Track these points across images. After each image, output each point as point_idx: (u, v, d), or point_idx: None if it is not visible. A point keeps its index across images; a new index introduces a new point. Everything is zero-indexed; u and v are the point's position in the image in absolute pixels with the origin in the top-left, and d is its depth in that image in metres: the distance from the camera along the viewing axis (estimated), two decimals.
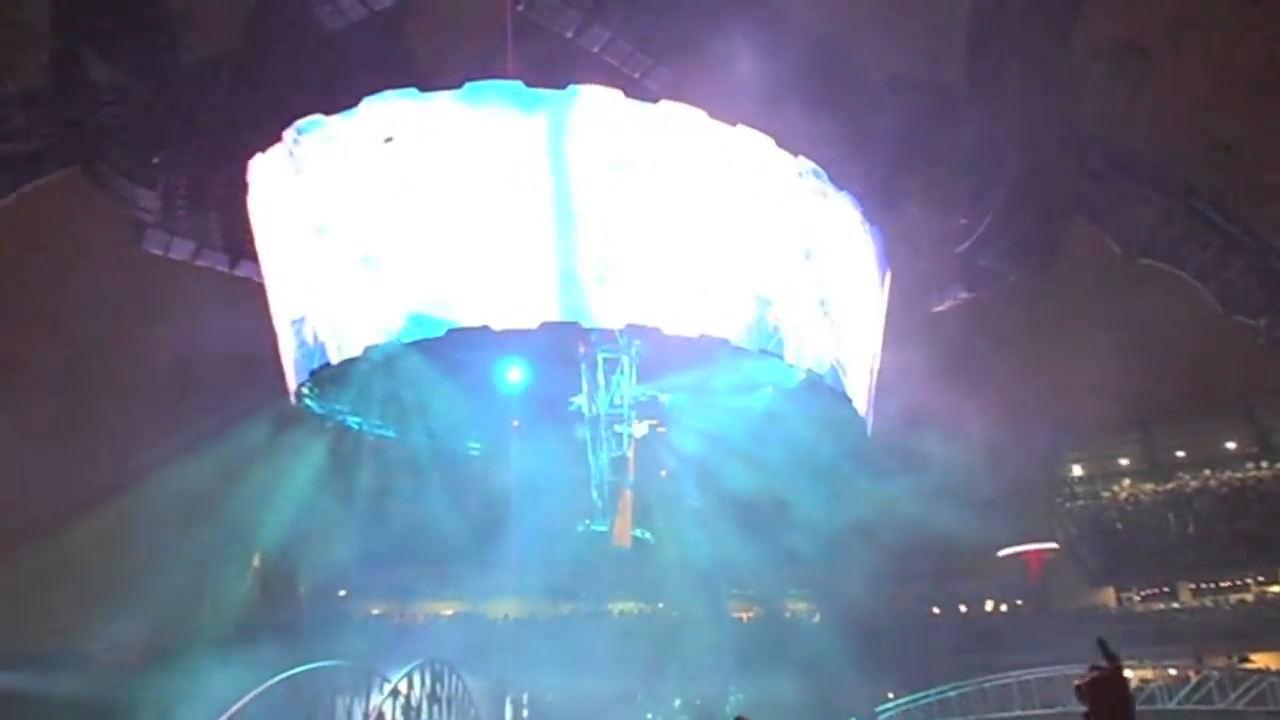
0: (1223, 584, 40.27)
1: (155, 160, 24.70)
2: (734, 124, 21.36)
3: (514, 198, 19.30)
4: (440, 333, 19.31)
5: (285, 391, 22.50)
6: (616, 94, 20.33)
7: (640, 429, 25.63)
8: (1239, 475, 42.37)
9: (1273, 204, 29.10)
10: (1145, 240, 29.19)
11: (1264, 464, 42.06)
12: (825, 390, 23.96)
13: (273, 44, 22.62)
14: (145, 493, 27.71)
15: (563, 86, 19.85)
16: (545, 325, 19.42)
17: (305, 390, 22.23)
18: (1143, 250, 29.42)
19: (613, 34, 23.31)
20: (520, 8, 22.38)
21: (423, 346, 20.51)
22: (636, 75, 23.91)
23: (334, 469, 25.17)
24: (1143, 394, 35.94)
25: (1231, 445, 42.99)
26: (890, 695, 30.95)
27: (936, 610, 41.86)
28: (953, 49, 26.85)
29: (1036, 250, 29.03)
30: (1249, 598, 39.37)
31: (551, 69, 22.50)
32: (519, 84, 19.53)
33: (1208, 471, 42.81)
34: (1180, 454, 43.69)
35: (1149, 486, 43.82)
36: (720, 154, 21.30)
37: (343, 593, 37.09)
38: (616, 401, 24.60)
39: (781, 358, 22.39)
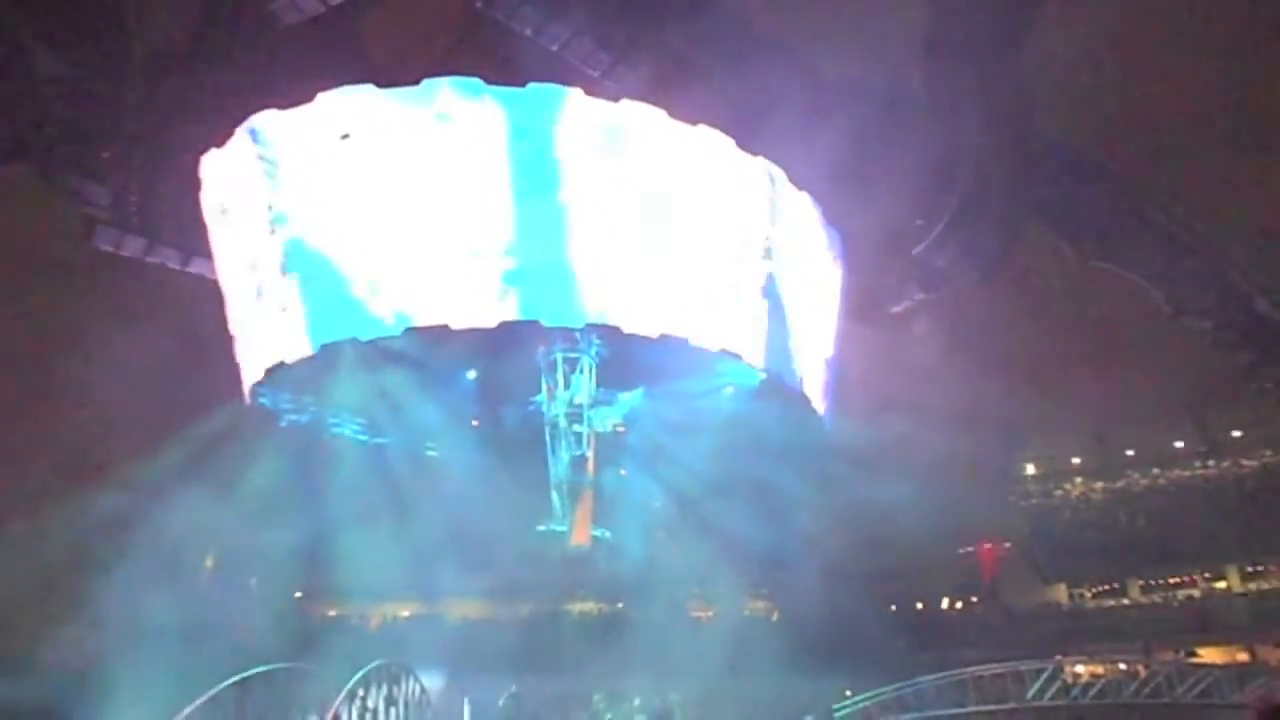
0: (1171, 580, 41.01)
1: (106, 155, 24.35)
2: (694, 124, 21.56)
3: (473, 196, 19.29)
4: (398, 331, 19.23)
5: (239, 390, 22.26)
6: (576, 93, 20.39)
7: (600, 428, 25.60)
8: (1186, 473, 43.27)
9: (1220, 208, 29.71)
10: (1097, 244, 29.66)
11: (1210, 462, 42.96)
12: (784, 390, 24.28)
13: (226, 38, 22.31)
14: (94, 492, 27.26)
15: (522, 84, 19.84)
16: (505, 324, 19.42)
17: (260, 389, 22.05)
18: (1094, 253, 29.88)
19: (572, 32, 23.21)
20: (479, 4, 22.25)
21: (380, 345, 20.43)
22: (596, 74, 23.78)
23: (287, 469, 24.83)
24: (1094, 395, 36.52)
25: (1179, 444, 43.93)
26: (848, 693, 31.09)
27: (894, 608, 42.21)
28: (909, 55, 27.11)
29: (991, 252, 29.39)
30: (1196, 593, 40.10)
31: (511, 67, 22.35)
32: (477, 81, 19.51)
33: (1156, 470, 43.67)
34: (1130, 453, 44.61)
35: (1100, 485, 44.50)
36: (681, 154, 21.48)
37: (298, 594, 36.67)
38: (576, 401, 24.58)
39: (741, 358, 22.66)
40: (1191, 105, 27.20)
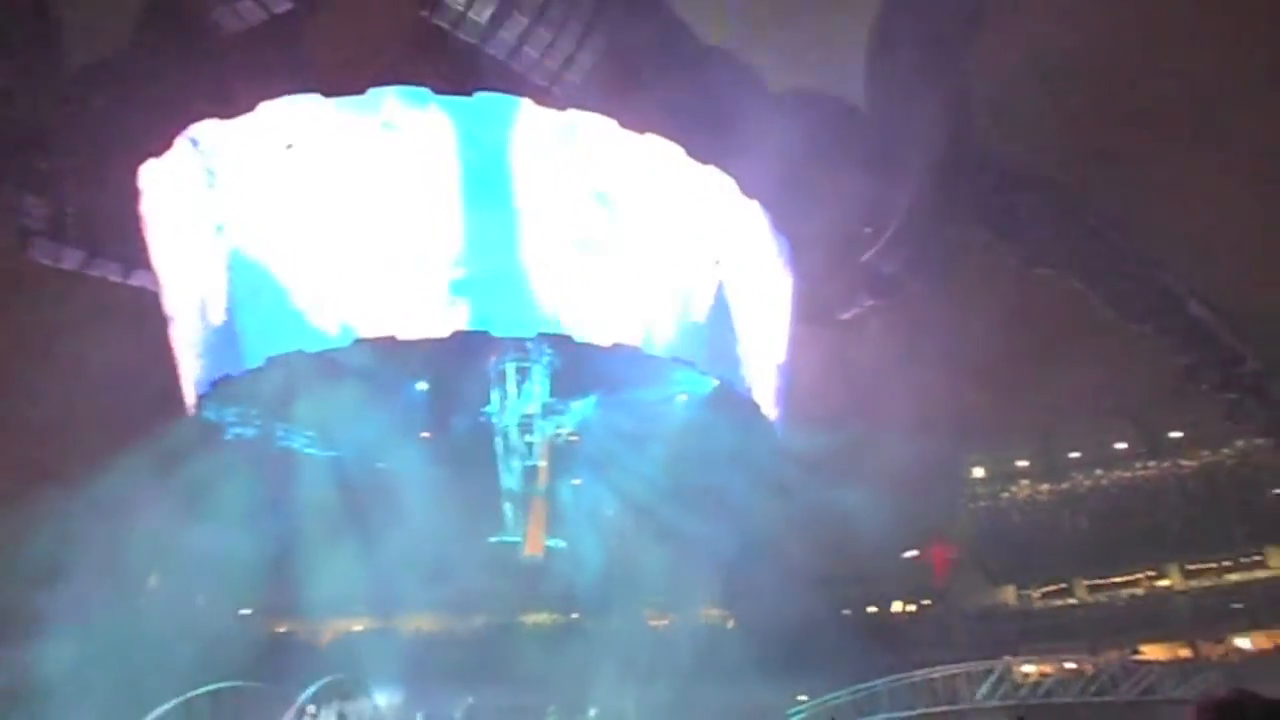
0: (1116, 579, 41.78)
1: (43, 166, 23.81)
2: (643, 133, 21.65)
3: (420, 205, 19.20)
4: (346, 343, 19.02)
5: (182, 405, 21.89)
6: (524, 102, 20.40)
7: (552, 438, 25.55)
8: (1128, 474, 43.99)
9: (1155, 213, 30.39)
10: (1038, 249, 30.22)
11: (1151, 463, 43.85)
12: (735, 397, 24.44)
13: (165, 46, 21.91)
14: (37, 502, 26.67)
15: (469, 93, 19.87)
16: (455, 335, 19.34)
17: (205, 402, 21.73)
18: (1036, 259, 30.45)
19: (518, 41, 23.21)
20: (425, 13, 22.15)
21: (328, 357, 20.23)
22: (544, 83, 23.86)
23: (235, 481, 24.42)
24: (1039, 398, 37.09)
25: (1121, 446, 44.84)
26: (802, 698, 31.23)
27: (847, 612, 42.50)
28: (855, 65, 27.47)
29: (938, 258, 29.84)
30: (1140, 591, 40.93)
31: (458, 75, 22.33)
32: (424, 90, 19.47)
33: (1099, 471, 44.35)
34: (1074, 455, 45.39)
35: (1045, 487, 45.01)
36: (631, 163, 21.64)
37: (246, 610, 36.01)
38: (528, 411, 24.56)
39: (693, 365, 22.89)
40: (1125, 110, 27.86)
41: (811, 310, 28.98)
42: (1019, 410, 37.87)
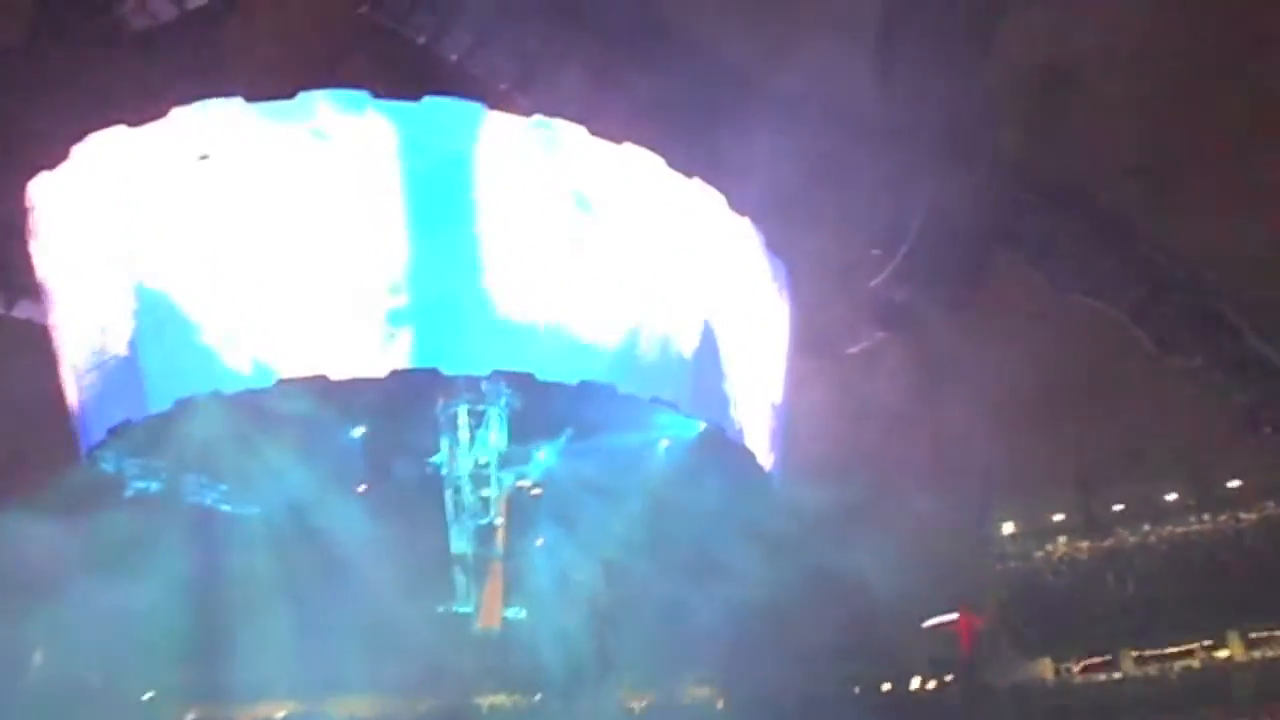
0: (1167, 650, 41.54)
1: None
2: (619, 142, 21.83)
3: (358, 224, 19.15)
4: (268, 384, 18.95)
5: (73, 453, 21.60)
6: (477, 107, 20.48)
7: (511, 492, 25.48)
8: (1181, 529, 43.86)
9: (1206, 234, 30.48)
10: (1071, 274, 30.26)
11: (1206, 516, 43.79)
12: (726, 443, 24.40)
13: (61, 44, 21.78)
14: None
15: (416, 98, 19.91)
16: (396, 374, 19.25)
17: (101, 451, 21.60)
18: (1069, 285, 30.47)
19: (475, 40, 23.35)
20: (364, 9, 22.26)
21: (247, 400, 20.04)
22: (503, 87, 23.93)
23: (135, 543, 24.09)
24: (1077, 443, 37.08)
25: (1172, 497, 44.71)
26: None
27: (857, 689, 42.14)
28: (861, 68, 27.62)
29: (956, 285, 29.81)
30: (1196, 664, 40.68)
31: (403, 78, 22.43)
32: (362, 94, 19.50)
33: (1148, 526, 44.10)
34: (1118, 508, 45.16)
35: (1085, 544, 44.84)
36: (604, 176, 21.74)
37: (149, 694, 35.39)
38: (482, 461, 24.45)
39: (676, 407, 22.85)
40: (1172, 118, 28.00)
41: (813, 343, 28.92)
42: (1054, 457, 37.75)
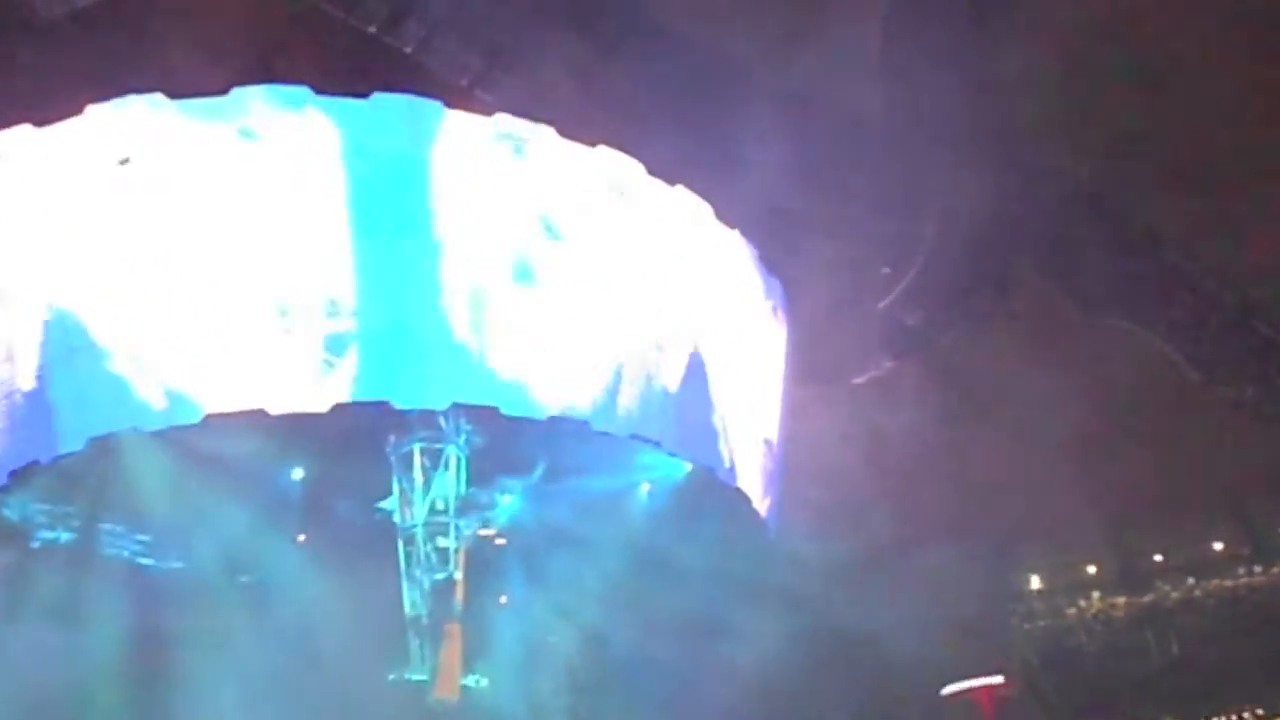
0: (1216, 719, 41.54)
1: None
2: (593, 145, 22.04)
3: (297, 237, 19.17)
4: (194, 419, 18.75)
5: None
6: (434, 106, 20.65)
7: (473, 542, 25.40)
8: (1229, 583, 43.89)
9: (1256, 251, 30.66)
10: (1104, 295, 30.46)
11: (1258, 568, 43.86)
12: (716, 486, 24.45)
13: None
14: None
15: (364, 95, 19.99)
16: (341, 408, 19.17)
17: (2, 496, 21.44)
18: (1102, 307, 30.69)
19: (430, 30, 23.53)
20: None
21: (171, 438, 20.03)
22: (464, 82, 24.08)
23: (40, 601, 23.86)
24: (1110, 485, 37.12)
25: (1219, 547, 44.76)
26: None
27: None
28: (867, 63, 27.84)
29: (976, 308, 30.09)
30: None
31: (350, 72, 22.53)
32: (302, 90, 19.57)
33: (1192, 579, 44.26)
34: (1158, 558, 45.25)
35: (1122, 600, 44.91)
36: (577, 183, 21.93)
37: None
38: (439, 507, 24.34)
39: (659, 445, 22.92)
40: (1219, 120, 28.20)
41: (814, 373, 28.87)
42: (1086, 501, 37.65)
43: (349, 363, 19.05)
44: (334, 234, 19.18)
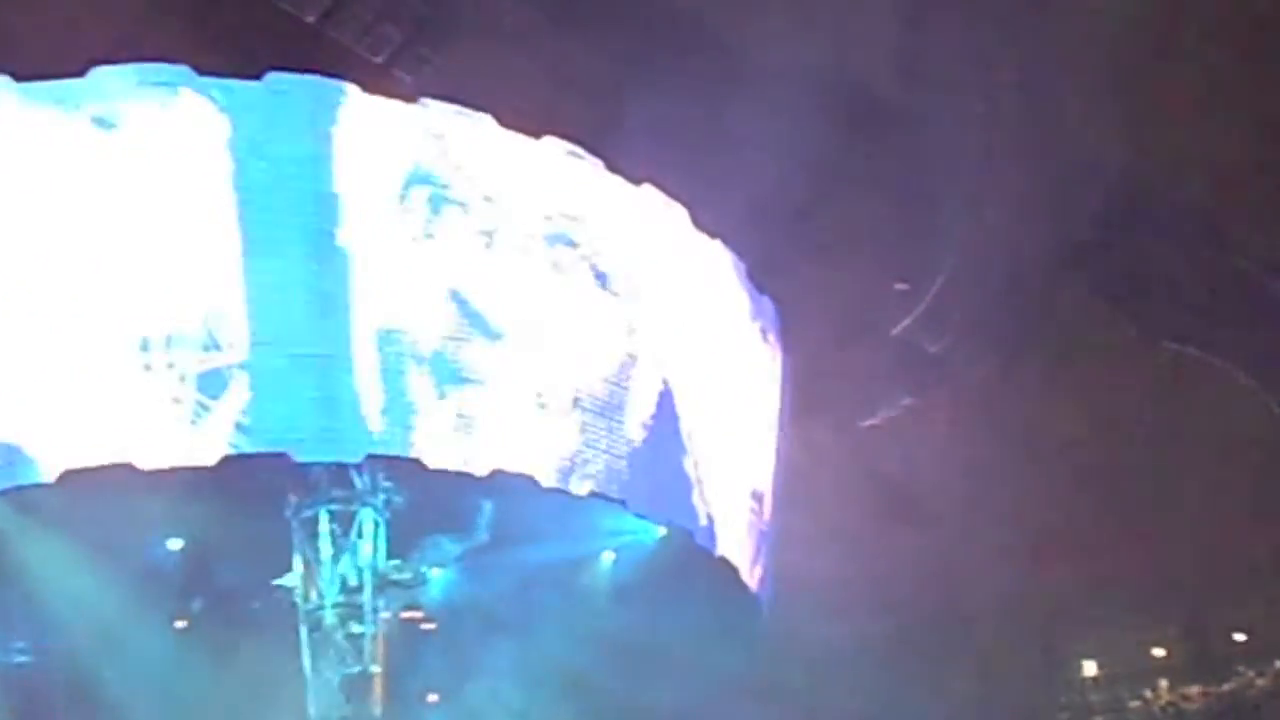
0: None
1: None
2: (538, 136, 22.16)
3: (166, 251, 19.04)
4: (46, 479, 18.67)
5: None
6: (342, 88, 20.62)
7: (394, 626, 25.04)
8: None
9: None
10: (1169, 316, 30.69)
11: None
12: (695, 554, 24.54)
13: None
14: None
15: (257, 75, 20.01)
16: (229, 462, 19.10)
17: None
18: (1167, 331, 30.93)
19: None
20: None
21: (18, 500, 19.87)
22: (379, 59, 24.10)
23: None
24: (1183, 549, 37.24)
25: None
26: None
27: None
28: (882, 37, 27.98)
29: (1011, 331, 30.26)
30: None
31: (241, 48, 22.43)
32: (181, 70, 19.47)
33: None
34: (1239, 637, 45.40)
35: (1195, 690, 44.85)
36: (521, 182, 22.02)
37: None
38: (353, 584, 23.70)
39: (623, 504, 23.00)
40: None
41: (814, 412, 29.06)
42: (1150, 568, 37.87)
43: (230, 406, 18.91)
44: (214, 248, 19.10)
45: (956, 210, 29.18)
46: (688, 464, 23.86)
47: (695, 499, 23.95)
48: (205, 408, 18.73)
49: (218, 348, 18.90)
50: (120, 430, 18.58)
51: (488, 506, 24.20)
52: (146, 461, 18.66)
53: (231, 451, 18.93)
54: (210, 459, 18.88)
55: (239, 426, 18.96)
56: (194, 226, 19.08)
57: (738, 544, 25.23)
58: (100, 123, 18.80)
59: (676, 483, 23.64)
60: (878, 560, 30.53)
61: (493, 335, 21.29)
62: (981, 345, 30.39)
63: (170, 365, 18.70)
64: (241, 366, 18.98)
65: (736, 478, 25.41)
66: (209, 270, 19.06)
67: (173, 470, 19.02)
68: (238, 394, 18.96)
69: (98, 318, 18.68)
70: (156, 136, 19.03)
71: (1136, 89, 27.65)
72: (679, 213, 23.84)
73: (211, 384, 18.81)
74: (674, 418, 23.51)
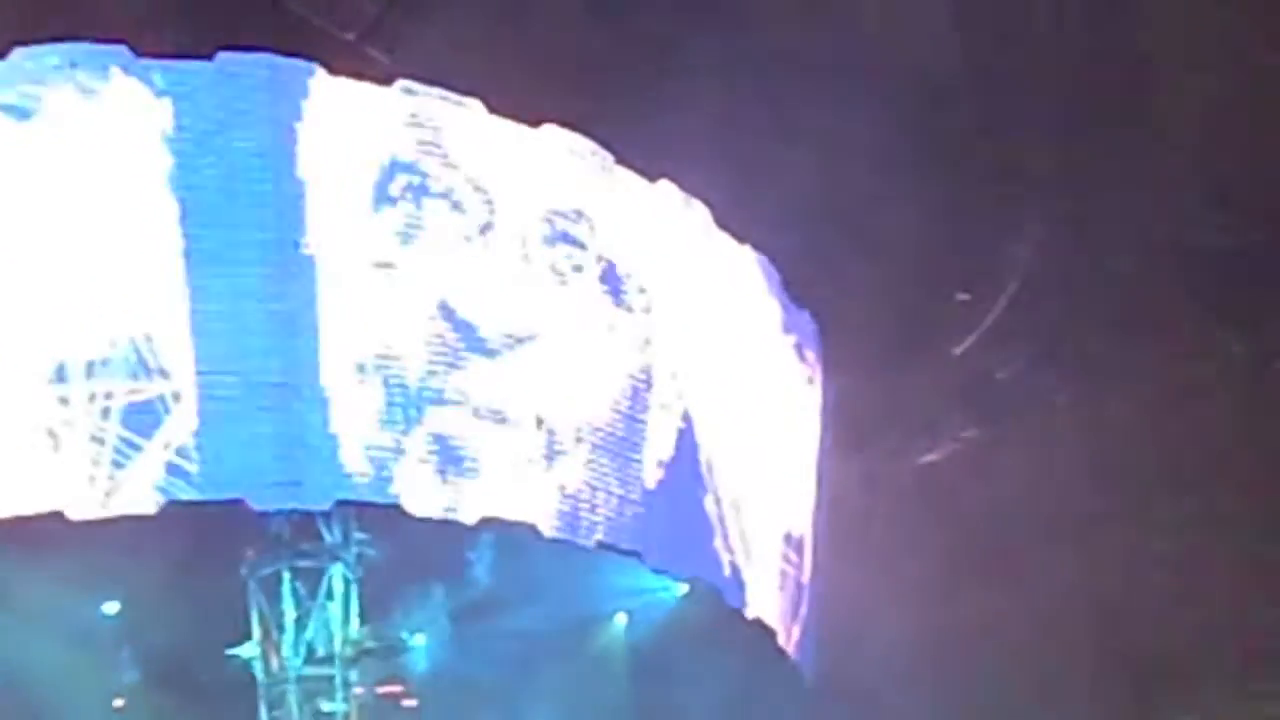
0: None
1: None
2: (536, 125, 22.14)
3: (106, 259, 18.96)
4: None
5: None
6: (307, 69, 20.54)
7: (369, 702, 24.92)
8: None
9: None
10: None
11: None
12: (722, 613, 24.55)
13: None
14: None
15: (208, 56, 19.88)
16: (174, 511, 19.00)
17: None
18: None
19: None
20: None
21: None
22: (350, 36, 23.94)
23: None
24: None
25: None
26: None
27: None
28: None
29: (1099, 350, 30.16)
30: None
31: (190, 26, 22.13)
32: (116, 50, 19.35)
33: None
34: None
35: None
36: (513, 178, 21.91)
37: None
38: (320, 654, 23.89)
39: (638, 556, 22.95)
40: None
41: (864, 444, 29.51)
42: (1261, 625, 37.60)
43: (166, 445, 18.77)
44: (151, 257, 19.04)
45: (1028, 204, 29.09)
46: (708, 503, 23.86)
47: (716, 544, 23.95)
48: (134, 447, 18.55)
49: (151, 375, 18.75)
50: (34, 476, 18.47)
51: (480, 560, 24.29)
52: (73, 512, 18.47)
53: (170, 498, 18.76)
54: (143, 508, 18.70)
55: (176, 470, 18.76)
56: (125, 232, 18.98)
57: (771, 601, 25.27)
58: (12, 111, 18.73)
59: (704, 537, 23.68)
60: (934, 619, 30.32)
61: (486, 354, 21.21)
62: (1061, 368, 30.47)
63: (91, 397, 18.55)
64: (182, 397, 18.85)
65: (768, 520, 25.41)
66: (143, 284, 18.97)
67: (106, 522, 18.81)
68: (177, 430, 18.80)
69: (31, 338, 18.63)
70: (80, 127, 18.93)
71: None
72: (701, 212, 23.87)
73: (141, 418, 18.66)
74: (694, 449, 23.57)
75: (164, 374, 18.80)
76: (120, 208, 19.01)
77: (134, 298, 18.90)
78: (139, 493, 18.63)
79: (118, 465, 18.52)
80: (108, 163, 18.98)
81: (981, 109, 28.30)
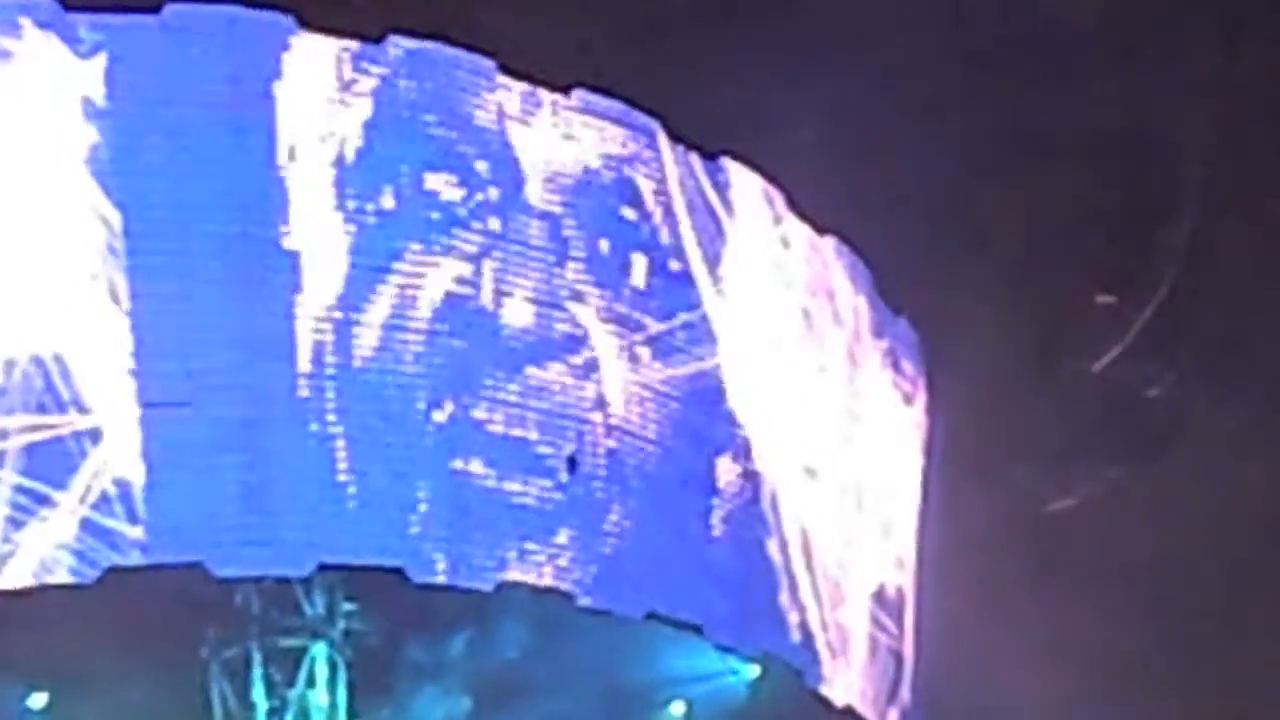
0: None
1: None
2: (566, 91, 21.82)
3: (13, 254, 18.45)
4: None
5: None
6: (283, 24, 19.89)
7: None
8: None
9: None
10: None
11: None
12: (804, 699, 24.29)
13: None
14: None
15: (154, 9, 19.32)
16: (116, 579, 18.38)
17: None
18: None
19: None
20: None
21: None
22: None
23: None
24: None
25: None
26: None
27: None
28: None
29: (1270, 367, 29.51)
30: None
31: None
32: (48, 4, 18.74)
33: None
34: None
35: None
36: (544, 159, 21.62)
37: None
38: None
39: (700, 630, 22.65)
40: None
41: (978, 484, 28.94)
42: None
43: (85, 497, 18.24)
44: (76, 259, 18.58)
45: (1175, 185, 28.99)
46: (771, 548, 23.46)
47: (810, 629, 23.75)
48: (40, 500, 18.07)
49: (63, 408, 18.25)
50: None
51: (503, 635, 23.65)
52: (12, 580, 18.00)
53: (99, 565, 18.22)
54: (56, 577, 18.21)
55: (101, 530, 18.28)
56: (38, 227, 18.57)
57: (858, 678, 25.14)
58: None
59: (781, 605, 23.40)
60: (1062, 695, 29.77)
61: (508, 370, 20.86)
62: (1223, 384, 29.66)
63: (77, 431, 18.14)
64: (105, 436, 18.35)
65: (850, 572, 25.24)
66: (63, 293, 18.55)
67: (30, 594, 18.30)
68: (103, 478, 18.24)
69: None
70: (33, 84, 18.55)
71: None
72: (773, 195, 23.50)
73: (48, 463, 18.19)
74: (777, 514, 23.29)
75: (79, 406, 18.31)
76: (33, 196, 18.53)
77: (46, 311, 18.42)
78: (47, 557, 18.13)
79: (15, 524, 18.01)
80: (16, 140, 18.54)
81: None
